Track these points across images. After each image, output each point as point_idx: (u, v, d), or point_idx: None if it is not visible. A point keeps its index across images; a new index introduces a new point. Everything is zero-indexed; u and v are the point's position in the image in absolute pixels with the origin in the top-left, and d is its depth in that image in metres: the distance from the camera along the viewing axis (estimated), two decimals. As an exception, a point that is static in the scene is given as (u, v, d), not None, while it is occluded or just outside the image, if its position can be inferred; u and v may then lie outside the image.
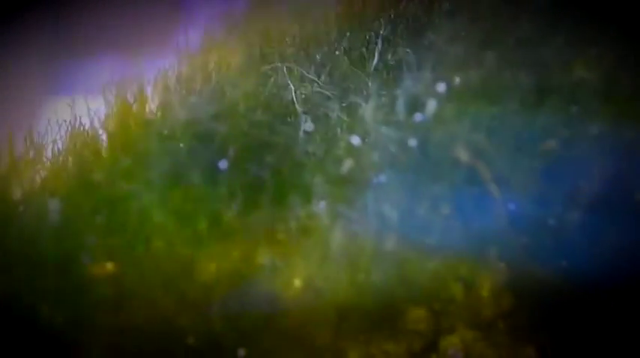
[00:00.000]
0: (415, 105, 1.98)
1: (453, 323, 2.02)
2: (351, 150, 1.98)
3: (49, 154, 2.12)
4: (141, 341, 1.96)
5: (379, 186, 1.97)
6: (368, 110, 2.01)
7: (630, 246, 1.96)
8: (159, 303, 1.95)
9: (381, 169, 1.97)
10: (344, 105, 2.06)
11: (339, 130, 2.02)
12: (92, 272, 1.96)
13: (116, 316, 1.96)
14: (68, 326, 1.95)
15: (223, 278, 1.97)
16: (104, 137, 2.09)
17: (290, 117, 2.07)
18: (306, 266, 1.97)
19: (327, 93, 2.09)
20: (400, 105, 1.98)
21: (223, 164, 1.98)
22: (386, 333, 2.01)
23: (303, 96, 2.09)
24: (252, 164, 2.00)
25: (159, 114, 2.12)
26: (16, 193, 2.07)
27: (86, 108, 2.11)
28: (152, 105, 2.16)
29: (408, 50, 2.09)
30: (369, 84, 2.08)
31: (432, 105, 1.95)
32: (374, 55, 2.12)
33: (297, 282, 1.97)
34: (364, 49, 2.15)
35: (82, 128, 2.12)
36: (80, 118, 2.12)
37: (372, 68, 2.11)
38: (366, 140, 1.99)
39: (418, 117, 1.96)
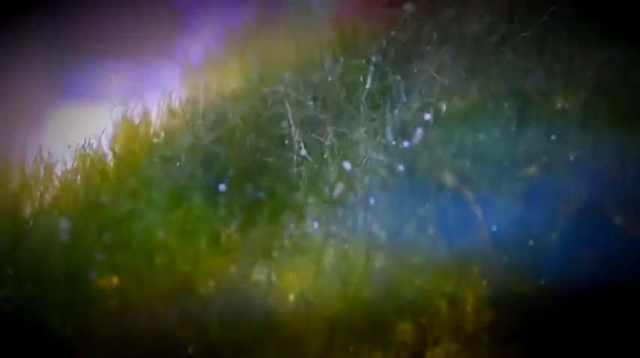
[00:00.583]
0: (403, 131, 2.06)
1: (438, 336, 2.08)
2: (343, 173, 2.07)
3: (59, 173, 2.19)
4: (143, 351, 2.01)
5: (369, 208, 2.05)
6: (359, 135, 2.09)
7: (604, 264, 2.05)
8: (160, 316, 2.01)
9: (371, 191, 2.05)
10: (336, 129, 2.12)
11: (331, 154, 2.10)
12: (99, 286, 2.05)
13: (120, 327, 2.02)
14: (76, 336, 2.00)
15: (221, 292, 2.03)
16: (110, 158, 2.17)
17: (286, 141, 2.15)
18: (299, 281, 2.04)
19: (322, 117, 2.16)
20: (389, 131, 2.06)
21: (222, 186, 2.07)
22: (375, 345, 2.07)
23: (299, 120, 2.15)
24: (250, 186, 2.08)
25: (163, 136, 2.20)
26: (27, 211, 2.14)
27: (93, 123, 2.18)
28: (156, 128, 2.23)
29: (398, 77, 2.16)
30: (361, 109, 2.15)
31: (419, 131, 2.04)
32: (366, 82, 2.19)
33: (291, 297, 2.04)
34: (357, 76, 2.21)
35: (89, 149, 2.19)
36: (89, 139, 2.20)
37: (364, 94, 2.17)
38: (357, 163, 2.08)
39: (406, 142, 2.05)
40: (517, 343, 2.10)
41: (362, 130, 2.10)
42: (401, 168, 2.04)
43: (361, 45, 2.27)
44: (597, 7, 2.19)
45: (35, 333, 2.03)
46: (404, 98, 2.10)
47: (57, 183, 2.15)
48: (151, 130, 2.21)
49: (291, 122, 2.13)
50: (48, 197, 2.14)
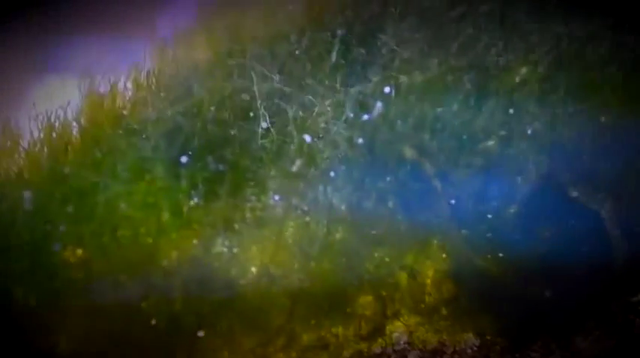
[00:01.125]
0: (364, 104, 2.08)
1: (398, 309, 2.12)
2: (304, 146, 2.08)
3: (26, 145, 2.21)
4: (107, 321, 2.04)
5: (329, 181, 2.07)
6: (322, 108, 2.11)
7: (562, 237, 2.07)
8: (124, 287, 2.03)
9: (332, 165, 2.07)
10: (300, 102, 2.14)
11: (295, 127, 2.11)
12: (63, 257, 2.07)
13: (85, 298, 2.06)
14: (40, 307, 2.03)
15: (184, 264, 2.06)
16: (76, 130, 2.19)
17: (250, 113, 2.16)
18: (261, 254, 2.06)
19: (286, 89, 2.17)
20: (350, 105, 2.08)
21: (185, 158, 2.08)
22: (336, 317, 2.10)
23: (264, 93, 2.16)
24: (212, 158, 2.09)
25: (129, 108, 2.21)
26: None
27: (62, 96, 2.19)
28: (124, 100, 2.24)
29: (362, 51, 2.17)
30: (326, 82, 2.16)
31: (379, 104, 2.06)
32: (331, 55, 2.20)
33: (253, 269, 2.06)
34: (322, 49, 2.22)
35: (56, 120, 2.20)
36: (55, 111, 2.21)
37: (329, 68, 2.18)
38: (319, 137, 2.09)
39: (366, 116, 2.06)
40: (476, 315, 2.13)
41: (326, 104, 2.11)
42: (361, 141, 2.05)
43: (327, 18, 2.28)
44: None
45: (1, 304, 2.05)
46: (366, 71, 2.11)
47: (23, 154, 2.17)
48: (118, 103, 2.22)
49: (257, 95, 2.14)
50: (13, 167, 2.15)
